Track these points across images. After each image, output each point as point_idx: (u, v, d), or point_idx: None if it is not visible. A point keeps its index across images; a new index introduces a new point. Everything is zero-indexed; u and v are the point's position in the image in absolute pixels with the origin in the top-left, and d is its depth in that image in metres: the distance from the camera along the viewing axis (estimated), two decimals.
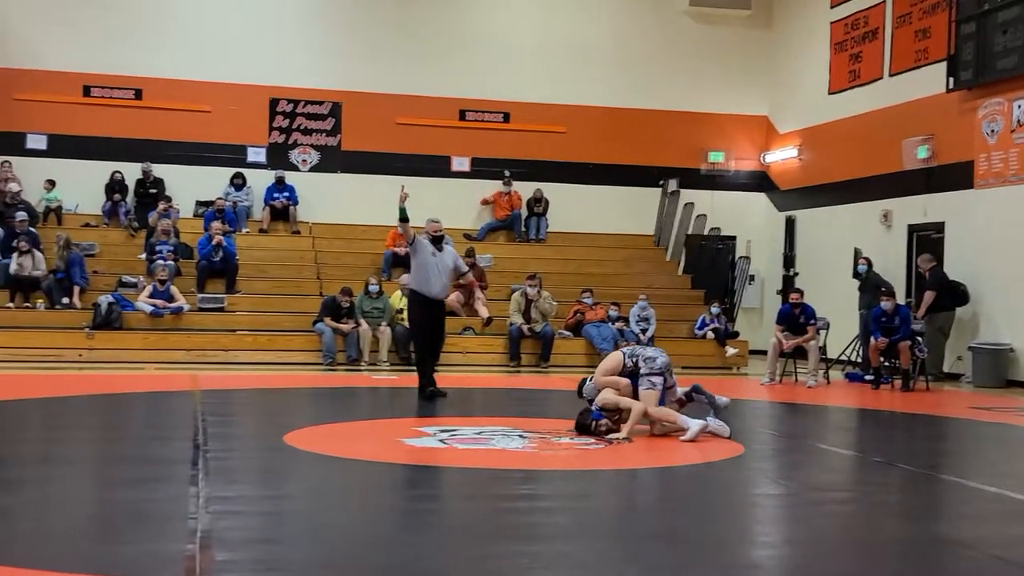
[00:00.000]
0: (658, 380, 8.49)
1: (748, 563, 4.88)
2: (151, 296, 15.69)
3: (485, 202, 19.82)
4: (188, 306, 15.90)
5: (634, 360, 8.63)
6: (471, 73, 19.85)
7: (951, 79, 16.02)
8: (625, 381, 8.60)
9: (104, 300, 15.31)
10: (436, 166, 19.75)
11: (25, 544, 4.90)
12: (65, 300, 15.69)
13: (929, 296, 15.12)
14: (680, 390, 8.81)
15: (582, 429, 8.44)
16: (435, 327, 11.12)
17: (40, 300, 15.69)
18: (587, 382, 8.94)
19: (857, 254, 16.93)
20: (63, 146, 18.44)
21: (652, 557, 4.85)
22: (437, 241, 10.99)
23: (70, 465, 7.10)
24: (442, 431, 8.59)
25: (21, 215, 16.25)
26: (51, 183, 18.06)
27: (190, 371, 13.83)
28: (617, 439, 8.17)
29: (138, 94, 18.76)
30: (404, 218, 10.84)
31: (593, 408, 8.54)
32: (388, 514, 5.88)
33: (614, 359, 8.83)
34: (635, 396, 8.52)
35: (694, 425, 8.32)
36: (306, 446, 7.79)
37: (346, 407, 11.18)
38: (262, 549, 4.83)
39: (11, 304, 15.59)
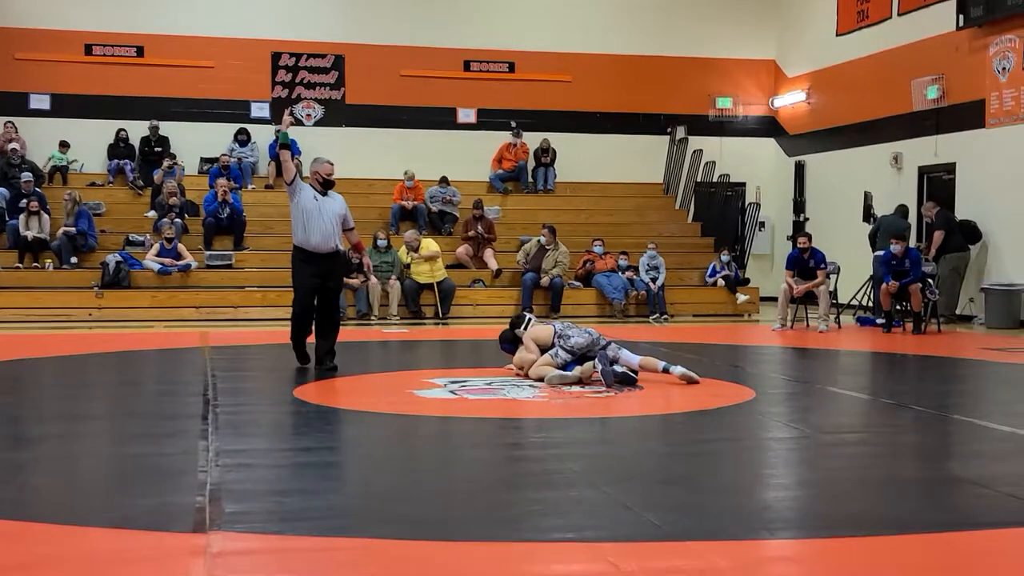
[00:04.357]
0: (566, 356, 8.52)
1: (762, 505, 4.86)
2: (158, 254, 15.71)
3: (498, 161, 19.58)
4: (196, 263, 15.90)
5: (559, 339, 8.68)
6: (475, 23, 19.65)
7: (961, 16, 15.80)
8: (546, 357, 8.63)
9: (112, 259, 15.32)
10: (442, 118, 19.62)
11: (42, 499, 4.91)
12: (73, 260, 15.70)
13: (938, 236, 15.02)
14: (634, 358, 8.60)
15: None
16: (321, 288, 9.46)
17: (49, 260, 15.69)
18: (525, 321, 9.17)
19: (867, 198, 16.81)
20: (67, 105, 18.37)
21: (667, 501, 4.83)
22: (326, 186, 9.52)
23: (83, 421, 7.11)
24: (452, 382, 8.58)
25: (27, 176, 16.20)
26: (65, 144, 18.00)
27: (199, 328, 13.85)
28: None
29: (140, 51, 18.64)
30: (285, 143, 9.46)
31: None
32: (399, 465, 5.87)
33: (545, 330, 8.87)
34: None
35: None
36: (316, 400, 7.79)
37: (356, 361, 11.13)
38: (272, 501, 4.82)
39: (20, 265, 15.60)
